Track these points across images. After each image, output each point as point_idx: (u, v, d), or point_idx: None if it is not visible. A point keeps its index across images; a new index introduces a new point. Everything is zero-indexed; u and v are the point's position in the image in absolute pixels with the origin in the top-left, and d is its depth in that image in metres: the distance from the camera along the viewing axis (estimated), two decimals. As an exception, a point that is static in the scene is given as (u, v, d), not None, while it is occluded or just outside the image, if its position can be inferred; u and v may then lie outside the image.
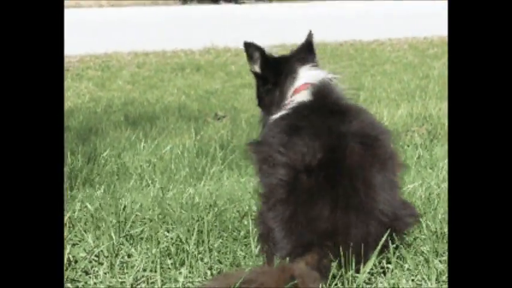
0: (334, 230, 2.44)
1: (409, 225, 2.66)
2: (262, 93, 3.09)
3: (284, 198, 2.53)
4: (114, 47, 16.40)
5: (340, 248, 2.41)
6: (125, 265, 2.63)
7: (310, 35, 3.17)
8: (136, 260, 2.62)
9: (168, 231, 2.97)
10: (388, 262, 2.53)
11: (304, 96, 2.86)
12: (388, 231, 2.48)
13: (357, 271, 2.42)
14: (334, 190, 2.49)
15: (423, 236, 2.78)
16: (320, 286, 2.35)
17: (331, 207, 2.46)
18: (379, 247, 2.45)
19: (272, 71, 3.03)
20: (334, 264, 2.41)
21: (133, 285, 2.46)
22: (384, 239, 2.46)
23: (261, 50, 3.05)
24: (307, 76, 2.93)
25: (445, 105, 7.54)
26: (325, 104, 2.80)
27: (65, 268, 2.51)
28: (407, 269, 2.53)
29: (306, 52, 3.11)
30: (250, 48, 3.05)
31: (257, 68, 3.06)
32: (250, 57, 3.06)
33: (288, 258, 2.43)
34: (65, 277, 2.48)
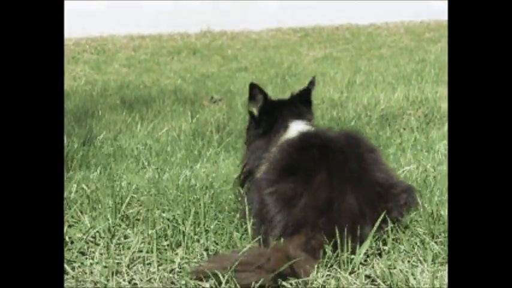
0: (329, 203, 2.47)
1: (404, 193, 2.68)
2: (252, 134, 3.13)
3: (282, 169, 2.63)
4: (110, 30, 16.33)
5: (335, 225, 2.42)
6: (121, 246, 2.62)
7: (312, 83, 3.17)
8: (132, 241, 2.62)
9: (164, 212, 2.97)
10: (384, 244, 2.53)
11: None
12: (385, 210, 2.51)
13: (353, 251, 2.42)
14: (328, 164, 2.57)
15: (419, 218, 2.79)
16: (315, 267, 2.36)
17: (326, 181, 2.52)
18: (377, 225, 2.47)
19: (267, 119, 3.05)
20: (330, 243, 2.42)
21: (130, 266, 2.46)
22: (380, 218, 2.48)
23: (264, 94, 3.06)
24: (296, 131, 2.94)
25: (441, 89, 7.54)
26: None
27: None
28: (404, 251, 2.54)
29: (304, 103, 3.13)
30: (254, 89, 3.05)
31: (255, 111, 3.08)
32: (252, 98, 3.06)
33: (282, 239, 2.44)
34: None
